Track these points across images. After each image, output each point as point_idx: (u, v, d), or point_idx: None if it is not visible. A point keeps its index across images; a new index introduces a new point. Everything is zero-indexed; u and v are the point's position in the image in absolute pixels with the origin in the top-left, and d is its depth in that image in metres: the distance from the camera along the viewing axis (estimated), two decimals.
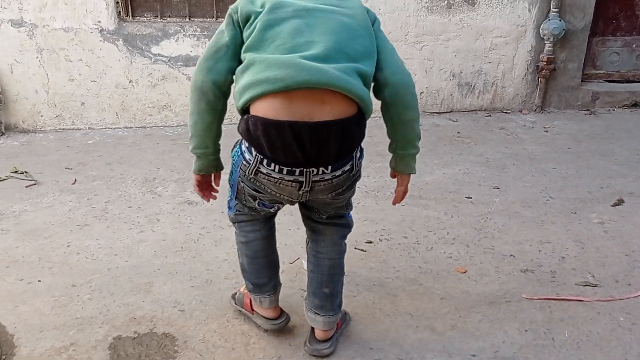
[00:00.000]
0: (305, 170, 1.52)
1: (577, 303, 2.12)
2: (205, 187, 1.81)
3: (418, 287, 2.23)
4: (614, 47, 5.01)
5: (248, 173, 1.60)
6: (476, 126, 4.47)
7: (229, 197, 1.84)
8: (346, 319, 2.01)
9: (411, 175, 1.77)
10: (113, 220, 2.83)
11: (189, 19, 4.22)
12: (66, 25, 3.98)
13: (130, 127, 4.32)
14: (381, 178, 3.33)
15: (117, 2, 4.09)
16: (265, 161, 1.54)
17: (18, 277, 2.32)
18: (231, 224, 1.91)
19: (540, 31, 4.63)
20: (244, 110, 1.55)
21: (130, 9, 4.17)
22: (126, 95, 4.23)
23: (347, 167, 1.59)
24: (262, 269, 1.87)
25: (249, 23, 1.55)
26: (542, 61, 4.68)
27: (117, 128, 4.26)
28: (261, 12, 1.53)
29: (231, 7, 1.62)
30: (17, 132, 4.15)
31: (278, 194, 1.63)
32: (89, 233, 2.70)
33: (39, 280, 2.28)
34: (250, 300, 1.95)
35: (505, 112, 4.82)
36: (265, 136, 1.48)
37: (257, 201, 1.73)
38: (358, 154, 1.64)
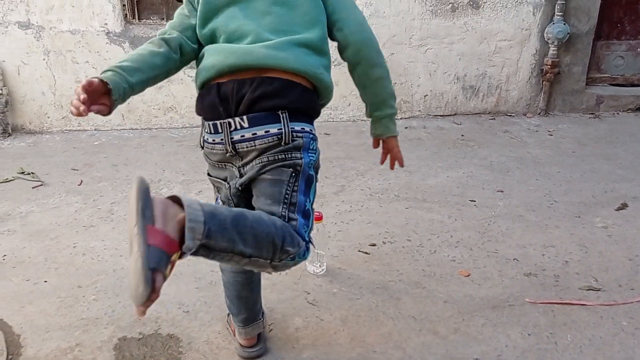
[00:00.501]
0: (221, 122, 1.46)
1: (580, 307, 2.12)
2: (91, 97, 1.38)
3: (421, 290, 2.24)
4: (619, 50, 5.00)
5: (200, 146, 1.59)
6: (480, 129, 4.47)
7: None
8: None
9: (396, 138, 1.73)
10: (119, 221, 2.85)
11: None
12: (73, 27, 4.01)
13: (135, 129, 4.35)
14: (385, 180, 3.34)
15: (124, 5, 4.12)
16: (205, 123, 1.53)
17: (24, 277, 2.34)
18: None
19: (545, 35, 4.63)
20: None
21: (136, 12, 4.19)
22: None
23: (273, 130, 1.44)
24: (234, 300, 1.83)
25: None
26: (546, 65, 4.68)
27: (123, 129, 4.29)
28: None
29: None
30: (24, 134, 4.18)
31: (217, 164, 1.57)
32: (94, 234, 2.72)
33: (45, 281, 2.30)
34: (233, 325, 1.93)
35: (510, 116, 4.83)
36: (201, 96, 1.52)
37: (217, 196, 1.66)
38: (297, 128, 1.48)
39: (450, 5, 4.47)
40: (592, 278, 2.32)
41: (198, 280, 2.30)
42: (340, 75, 4.45)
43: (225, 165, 1.56)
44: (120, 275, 2.34)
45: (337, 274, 2.35)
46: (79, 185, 3.30)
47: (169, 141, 4.10)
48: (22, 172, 3.44)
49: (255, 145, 1.46)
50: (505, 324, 2.02)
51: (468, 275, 2.34)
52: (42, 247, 2.60)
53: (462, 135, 4.29)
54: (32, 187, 3.26)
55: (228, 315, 2.01)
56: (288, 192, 1.49)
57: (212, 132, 1.49)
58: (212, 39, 1.56)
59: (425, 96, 4.68)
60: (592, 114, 4.88)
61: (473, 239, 2.66)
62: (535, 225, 2.80)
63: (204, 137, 1.55)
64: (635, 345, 1.90)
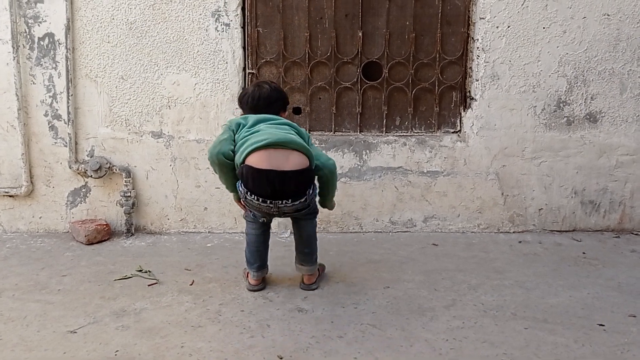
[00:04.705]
0: (272, 201, 2.88)
1: None
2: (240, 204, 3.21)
3: None
4: None
5: (241, 198, 3.01)
6: (603, 247, 4.15)
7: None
8: (324, 267, 3.49)
9: None
10: (225, 323, 2.87)
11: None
12: (199, 137, 4.34)
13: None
14: (499, 296, 3.13)
15: None
16: (248, 193, 2.91)
17: None
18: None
19: None
20: (241, 163, 2.88)
21: None
22: None
23: (302, 199, 2.93)
24: (253, 252, 3.22)
25: (238, 129, 2.99)
26: None
27: (235, 233, 4.44)
28: (246, 124, 2.97)
29: (228, 122, 3.09)
30: (145, 234, 4.45)
31: (259, 210, 3.00)
32: (202, 335, 2.74)
33: None
34: (247, 272, 3.30)
35: (636, 234, 4.46)
36: (251, 178, 2.85)
37: (253, 212, 3.13)
38: (310, 191, 2.97)
39: (566, 119, 4.38)
40: None
41: None
42: (449, 186, 4.42)
43: (262, 211, 3.01)
44: None
45: None
46: (191, 285, 3.40)
47: (277, 245, 4.15)
48: (140, 270, 3.61)
49: (293, 207, 2.93)
50: None
51: None
52: (152, 344, 2.65)
53: (584, 253, 3.99)
54: (148, 285, 3.39)
55: (244, 268, 3.37)
56: (312, 207, 3.15)
57: (261, 202, 2.90)
58: (241, 146, 2.94)
59: (540, 210, 4.48)
60: None
61: None
62: None
63: (245, 196, 2.94)
64: None
